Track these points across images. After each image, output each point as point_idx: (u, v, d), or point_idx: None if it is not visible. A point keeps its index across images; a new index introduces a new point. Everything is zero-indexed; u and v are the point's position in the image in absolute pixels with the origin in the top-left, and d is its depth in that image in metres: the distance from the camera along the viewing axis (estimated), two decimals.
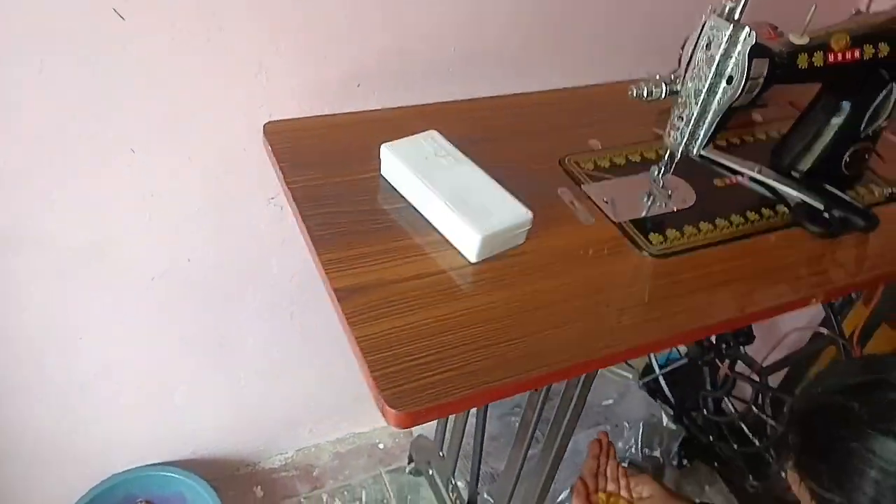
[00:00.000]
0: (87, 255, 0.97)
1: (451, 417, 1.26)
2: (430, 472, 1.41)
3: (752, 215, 0.88)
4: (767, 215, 0.89)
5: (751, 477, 1.36)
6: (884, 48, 0.83)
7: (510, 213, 0.76)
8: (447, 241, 0.77)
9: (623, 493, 1.08)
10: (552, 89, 1.08)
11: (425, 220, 0.79)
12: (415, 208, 0.80)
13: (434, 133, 0.85)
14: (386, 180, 0.84)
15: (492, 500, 1.29)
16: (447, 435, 1.30)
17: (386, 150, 0.82)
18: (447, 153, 0.82)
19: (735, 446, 1.36)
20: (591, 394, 0.87)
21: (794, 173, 0.97)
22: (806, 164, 0.95)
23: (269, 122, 0.89)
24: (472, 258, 0.74)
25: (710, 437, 1.42)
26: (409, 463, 1.50)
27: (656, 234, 0.82)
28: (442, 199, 0.76)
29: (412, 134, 0.85)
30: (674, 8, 1.10)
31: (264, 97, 0.92)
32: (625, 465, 1.04)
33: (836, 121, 0.92)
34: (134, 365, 1.14)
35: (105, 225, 0.95)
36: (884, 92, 0.87)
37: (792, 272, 0.81)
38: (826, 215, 0.87)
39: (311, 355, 1.32)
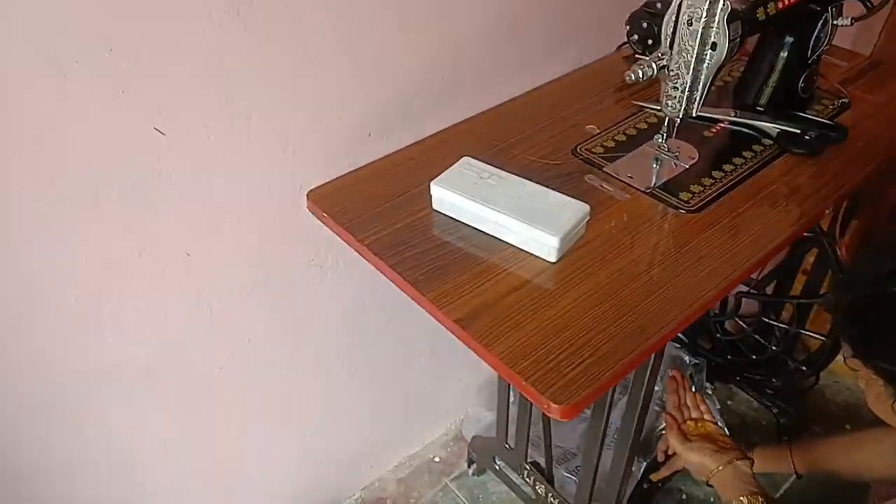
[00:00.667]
0: (162, 365, 0.99)
1: (513, 409, 1.34)
2: (497, 466, 1.48)
3: (747, 154, 1.01)
4: (759, 150, 1.02)
5: (773, 380, 1.52)
6: None
7: (571, 209, 0.84)
8: (522, 251, 0.85)
9: (706, 416, 1.20)
10: (528, 91, 1.17)
11: (493, 238, 0.86)
12: (480, 230, 0.87)
13: (468, 159, 0.93)
14: (440, 213, 0.90)
15: (570, 476, 1.39)
16: (509, 427, 1.38)
17: (436, 187, 0.89)
18: (489, 173, 0.90)
19: (753, 357, 1.51)
20: None
21: (758, 108, 1.10)
22: (767, 97, 1.09)
23: (311, 191, 0.94)
24: (553, 259, 0.83)
25: (728, 356, 1.57)
26: (469, 466, 1.58)
27: (684, 192, 0.94)
28: (508, 214, 0.84)
29: (435, 164, 0.93)
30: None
31: (296, 169, 0.96)
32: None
33: (784, 55, 1.06)
34: (205, 445, 1.16)
35: (172, 330, 0.97)
36: (820, 22, 1.02)
37: (802, 192, 0.94)
38: (806, 137, 1.01)
39: (360, 394, 1.37)
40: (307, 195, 0.94)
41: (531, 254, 0.84)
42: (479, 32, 1.08)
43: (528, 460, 1.37)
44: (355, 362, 1.29)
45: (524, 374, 0.71)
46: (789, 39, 1.04)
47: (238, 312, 1.03)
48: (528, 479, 1.39)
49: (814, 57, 1.05)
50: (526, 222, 0.83)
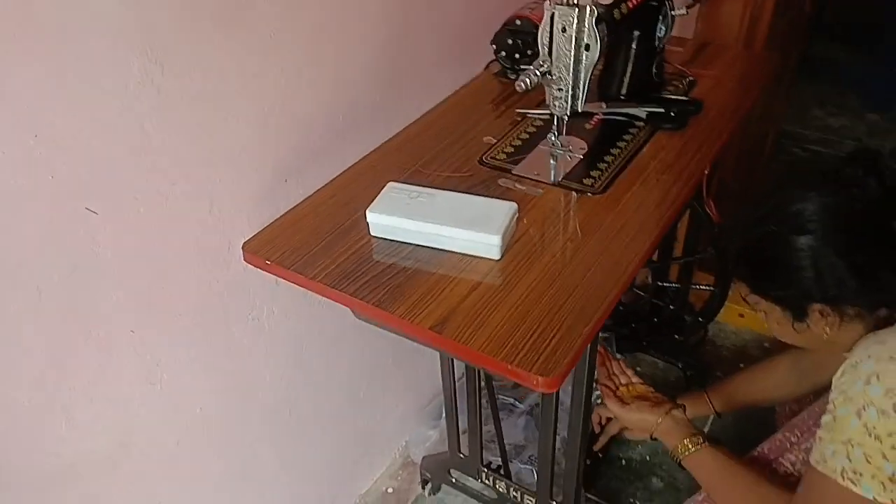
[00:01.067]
0: (121, 453, 0.95)
1: (461, 418, 1.39)
2: (453, 478, 1.52)
3: (627, 137, 1.14)
4: (635, 132, 1.15)
5: (676, 336, 1.68)
6: None
7: (501, 209, 0.92)
8: (467, 255, 0.91)
9: (634, 379, 1.32)
10: (419, 117, 1.24)
11: (436, 250, 0.92)
12: (422, 245, 0.93)
13: (393, 184, 0.98)
14: (379, 238, 0.95)
15: (526, 466, 1.46)
16: (460, 436, 1.43)
17: (372, 213, 0.93)
18: (418, 192, 0.96)
19: (655, 320, 1.67)
20: None
21: (621, 97, 1.24)
22: (627, 86, 1.24)
23: (246, 242, 0.95)
24: (497, 256, 0.90)
25: (632, 325, 1.72)
26: (423, 487, 1.60)
27: (587, 178, 1.04)
28: (449, 224, 0.90)
29: (357, 196, 0.99)
30: (468, 23, 1.33)
31: (223, 226, 0.97)
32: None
33: (635, 47, 1.21)
34: None
35: (127, 413, 0.94)
36: (660, 15, 1.18)
37: (683, 159, 1.08)
38: (671, 114, 1.16)
39: (311, 442, 1.36)
40: (242, 247, 0.95)
41: (476, 256, 0.91)
42: (366, 71, 1.14)
43: (483, 463, 1.43)
44: (303, 410, 1.29)
45: (507, 359, 0.77)
46: (637, 33, 1.19)
47: (187, 382, 1.01)
48: (487, 481, 1.45)
49: (660, 45, 1.21)
50: (467, 228, 0.89)
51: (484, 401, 1.35)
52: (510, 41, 1.28)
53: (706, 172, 1.07)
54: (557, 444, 1.26)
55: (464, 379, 1.37)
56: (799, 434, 1.17)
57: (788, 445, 1.17)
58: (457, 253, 0.92)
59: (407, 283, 0.88)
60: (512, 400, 1.68)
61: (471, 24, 1.35)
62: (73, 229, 0.78)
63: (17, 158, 0.70)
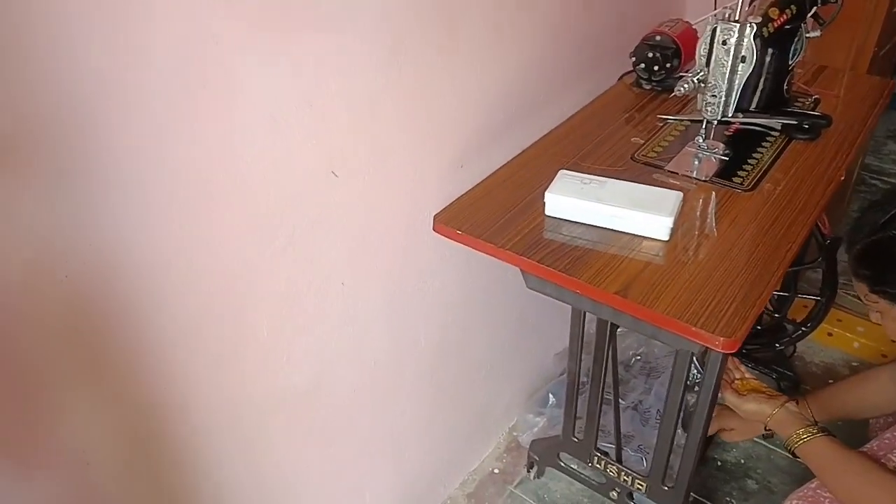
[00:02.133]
0: (313, 392, 1.07)
1: (576, 403, 1.50)
2: (562, 462, 1.62)
3: (765, 144, 1.25)
4: (772, 141, 1.26)
5: (776, 345, 1.76)
6: (793, 9, 1.24)
7: (669, 196, 1.04)
8: (637, 235, 1.02)
9: (747, 375, 1.41)
10: (566, 119, 1.37)
11: (608, 230, 1.04)
12: (595, 226, 1.04)
13: (565, 171, 1.10)
14: (553, 218, 1.07)
15: (635, 454, 1.55)
16: (576, 421, 1.53)
17: (550, 195, 1.06)
18: (590, 179, 1.08)
19: (758, 327, 1.75)
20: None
21: (752, 109, 1.35)
22: (762, 99, 1.34)
23: (436, 215, 1.08)
24: (666, 237, 1.01)
25: None
26: (529, 470, 1.70)
27: (735, 177, 1.15)
28: (623, 206, 1.02)
29: (526, 181, 1.12)
30: (608, 37, 1.46)
31: (417, 198, 1.10)
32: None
33: (769, 64, 1.32)
34: (333, 469, 1.23)
35: (325, 356, 1.07)
36: (796, 36, 1.29)
37: (820, 166, 1.18)
38: (805, 126, 1.26)
39: (441, 413, 1.47)
40: (435, 217, 1.08)
41: (645, 237, 1.02)
42: (528, 74, 1.28)
43: (597, 447, 1.52)
44: (442, 380, 1.41)
45: (692, 321, 0.88)
46: (773, 51, 1.30)
47: (370, 334, 1.14)
48: (598, 465, 1.54)
49: (793, 64, 1.32)
50: (640, 210, 1.01)
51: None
52: (650, 54, 1.40)
53: (842, 178, 1.17)
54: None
55: (585, 364, 1.47)
56: None
57: None
58: (627, 234, 1.03)
59: (586, 256, 1.00)
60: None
61: (610, 38, 1.48)
62: (321, 188, 0.92)
63: (298, 123, 0.85)
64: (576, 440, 1.56)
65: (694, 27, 1.44)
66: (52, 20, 0.60)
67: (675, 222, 1.02)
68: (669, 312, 0.89)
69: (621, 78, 1.51)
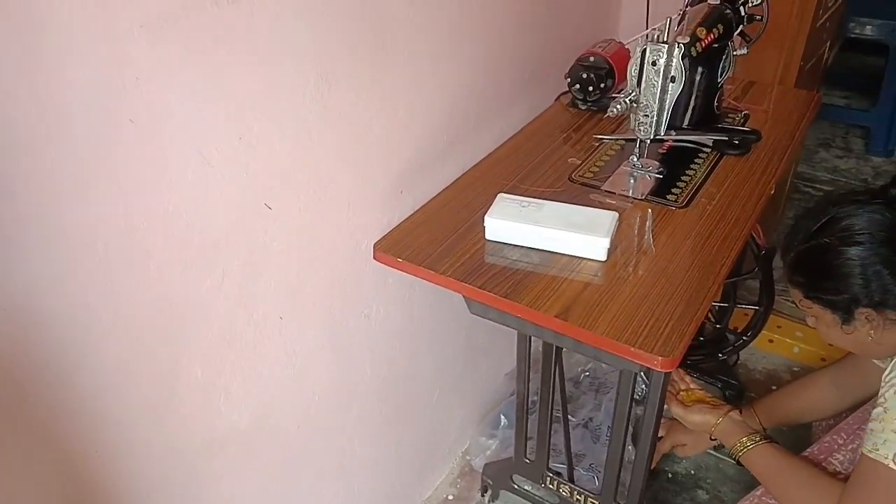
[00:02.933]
0: (256, 431, 1.04)
1: (526, 424, 1.49)
2: (515, 485, 1.61)
3: (697, 160, 1.27)
4: (704, 157, 1.29)
5: (720, 354, 1.80)
6: (720, 28, 1.27)
7: (605, 217, 1.05)
8: (576, 257, 1.03)
9: (692, 385, 1.43)
10: (504, 142, 1.38)
11: (548, 252, 1.04)
12: (534, 248, 1.05)
13: (503, 194, 1.11)
14: (494, 242, 1.07)
15: (587, 473, 1.55)
16: (527, 442, 1.53)
17: (490, 219, 1.06)
18: (528, 202, 1.08)
19: (701, 338, 1.79)
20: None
21: (685, 126, 1.38)
22: (693, 117, 1.37)
23: (377, 242, 1.07)
24: (604, 258, 1.02)
25: None
26: (483, 494, 1.69)
27: (669, 195, 1.17)
28: (561, 228, 1.02)
29: (466, 205, 1.13)
30: (542, 59, 1.48)
31: (354, 227, 1.09)
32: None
33: (699, 82, 1.35)
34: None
35: (266, 392, 1.04)
36: (724, 54, 1.32)
37: (751, 180, 1.21)
38: (735, 142, 1.30)
39: (391, 441, 1.45)
40: (374, 246, 1.07)
41: (584, 258, 1.03)
42: (467, 97, 1.28)
43: (549, 468, 1.52)
44: (389, 408, 1.39)
45: (630, 341, 0.88)
46: (702, 70, 1.34)
47: (312, 367, 1.11)
48: (551, 486, 1.54)
49: (722, 81, 1.36)
50: (577, 232, 1.02)
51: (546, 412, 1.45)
52: (584, 75, 1.43)
53: (772, 191, 1.20)
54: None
55: (534, 383, 1.47)
56: (845, 436, 1.28)
57: (836, 447, 1.28)
58: (566, 255, 1.04)
59: (526, 280, 1.00)
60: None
61: (545, 59, 1.50)
62: (254, 221, 0.90)
63: (226, 156, 0.82)
64: (528, 461, 1.55)
65: (627, 47, 1.46)
66: None
67: (612, 242, 1.03)
68: (608, 334, 0.90)
69: (558, 98, 1.53)
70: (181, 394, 0.89)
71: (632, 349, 0.88)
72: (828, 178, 3.00)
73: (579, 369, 1.91)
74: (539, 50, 1.48)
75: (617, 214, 1.06)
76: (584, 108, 1.47)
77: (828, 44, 2.19)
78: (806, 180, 2.98)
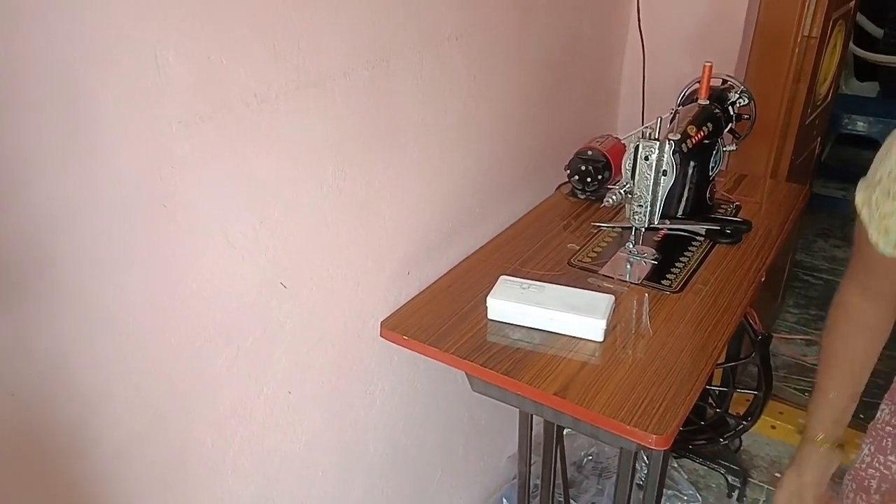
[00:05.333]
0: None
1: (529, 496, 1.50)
2: None
3: (691, 248, 1.34)
4: (697, 245, 1.35)
5: (721, 439, 1.80)
6: (709, 126, 1.36)
7: (602, 300, 1.10)
8: (574, 337, 1.08)
9: None
10: (506, 228, 1.45)
11: (548, 332, 1.09)
12: (535, 328, 1.10)
13: (504, 276, 1.17)
14: (496, 321, 1.12)
15: None
16: None
17: (493, 300, 1.11)
18: (529, 284, 1.14)
19: (701, 423, 1.80)
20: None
21: (679, 216, 1.46)
22: (686, 207, 1.45)
23: (384, 320, 1.12)
24: (601, 339, 1.07)
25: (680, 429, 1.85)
26: None
27: (664, 280, 1.23)
28: (560, 310, 1.07)
29: (470, 287, 1.19)
30: (544, 152, 1.57)
31: (362, 307, 1.14)
32: None
33: (692, 175, 1.43)
34: None
35: (273, 466, 1.06)
36: (715, 150, 1.41)
37: (742, 267, 1.27)
38: (727, 231, 1.36)
39: None
40: (382, 323, 1.12)
41: (581, 338, 1.08)
42: (472, 186, 1.36)
43: None
44: (391, 489, 1.40)
45: (626, 419, 0.92)
46: (694, 164, 1.42)
47: (317, 442, 1.14)
48: None
49: (713, 174, 1.44)
50: (576, 313, 1.07)
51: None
52: (582, 167, 1.51)
53: (762, 279, 1.26)
54: None
55: (534, 468, 1.49)
56: None
57: None
58: (565, 335, 1.08)
59: (526, 358, 1.04)
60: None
61: (547, 151, 1.59)
62: (269, 299, 0.96)
63: (248, 239, 0.89)
64: None
65: (623, 142, 1.56)
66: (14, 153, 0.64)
67: (609, 324, 1.08)
68: (605, 412, 0.93)
69: (558, 188, 1.61)
70: (192, 463, 0.93)
71: (627, 427, 0.91)
72: (826, 267, 3.06)
73: (582, 453, 1.91)
74: (541, 144, 1.58)
75: (613, 297, 1.11)
76: (582, 197, 1.55)
77: (819, 139, 2.30)
78: (805, 269, 3.04)
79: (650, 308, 1.17)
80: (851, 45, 3.55)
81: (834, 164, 3.91)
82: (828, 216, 3.46)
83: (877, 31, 3.69)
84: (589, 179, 1.51)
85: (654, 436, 0.90)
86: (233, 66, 0.82)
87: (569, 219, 1.48)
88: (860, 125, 3.21)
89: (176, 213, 0.80)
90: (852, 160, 3.72)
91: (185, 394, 0.89)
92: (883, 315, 0.98)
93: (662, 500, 1.80)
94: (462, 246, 1.36)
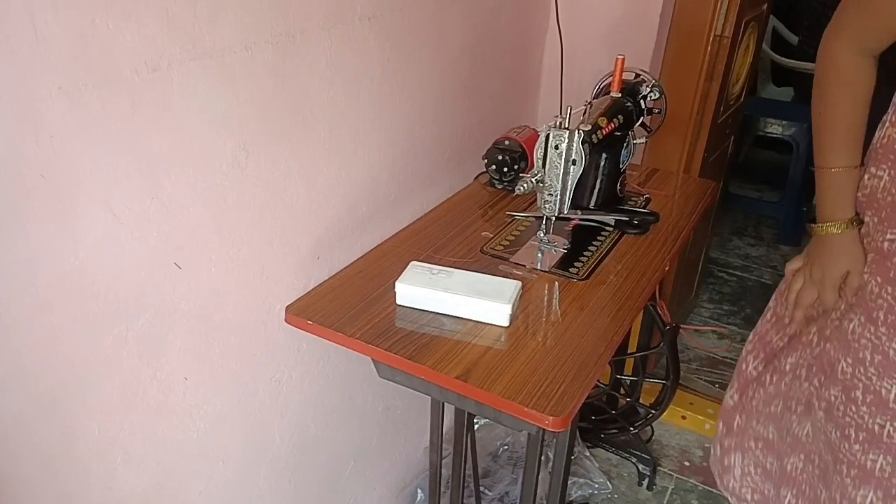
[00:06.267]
0: (156, 495, 1.02)
1: (439, 497, 1.50)
2: None
3: (600, 238, 1.36)
4: (606, 235, 1.38)
5: (630, 428, 1.85)
6: (620, 118, 1.39)
7: (509, 286, 1.11)
8: (481, 322, 1.08)
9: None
10: (423, 214, 1.44)
11: (455, 317, 1.09)
12: (442, 314, 1.09)
13: (416, 262, 1.16)
14: (404, 307, 1.11)
15: None
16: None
17: (401, 284, 1.10)
18: (438, 270, 1.14)
19: (612, 412, 1.84)
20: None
21: (591, 207, 1.48)
22: (599, 198, 1.48)
23: (289, 305, 1.10)
24: (506, 324, 1.07)
25: (592, 418, 1.89)
26: None
27: (572, 268, 1.25)
28: (467, 295, 1.07)
29: (381, 273, 1.17)
30: (462, 142, 1.57)
31: (268, 292, 1.11)
32: None
33: (604, 167, 1.46)
34: None
35: (167, 455, 1.03)
36: (625, 142, 1.44)
37: (650, 256, 1.30)
38: (635, 222, 1.39)
39: None
40: (286, 309, 1.10)
41: (488, 323, 1.08)
42: (387, 171, 1.35)
43: None
44: (300, 479, 1.38)
45: (525, 402, 0.92)
46: (605, 156, 1.45)
47: (218, 431, 1.11)
48: None
49: (623, 167, 1.47)
50: (482, 299, 1.07)
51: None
52: (499, 157, 1.52)
53: (667, 269, 1.29)
54: None
55: (448, 459, 1.49)
56: None
57: None
58: (471, 320, 1.08)
59: (432, 343, 1.04)
60: (483, 488, 1.79)
61: (465, 141, 1.59)
62: (162, 279, 0.92)
63: (137, 215, 0.85)
64: None
65: (539, 133, 1.57)
66: None
67: (515, 309, 1.09)
68: (505, 395, 0.94)
69: (477, 177, 1.61)
70: (78, 450, 0.88)
71: (525, 409, 0.92)
72: (740, 265, 3.18)
73: (498, 443, 1.93)
74: (461, 132, 1.57)
75: (520, 284, 1.12)
76: (500, 187, 1.56)
77: (732, 138, 2.38)
78: (720, 265, 3.15)
79: (557, 295, 1.18)
80: (769, 50, 3.71)
81: (750, 166, 4.07)
82: (743, 216, 3.60)
83: (792, 38, 3.86)
84: (505, 169, 1.52)
85: (552, 417, 0.91)
86: (120, 32, 0.78)
87: (486, 208, 1.49)
88: (776, 128, 3.34)
89: (56, 184, 0.76)
90: (768, 162, 3.88)
91: (71, 376, 0.84)
92: (872, 73, 0.99)
93: (574, 488, 1.83)
94: (377, 232, 1.34)
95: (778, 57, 3.64)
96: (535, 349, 1.03)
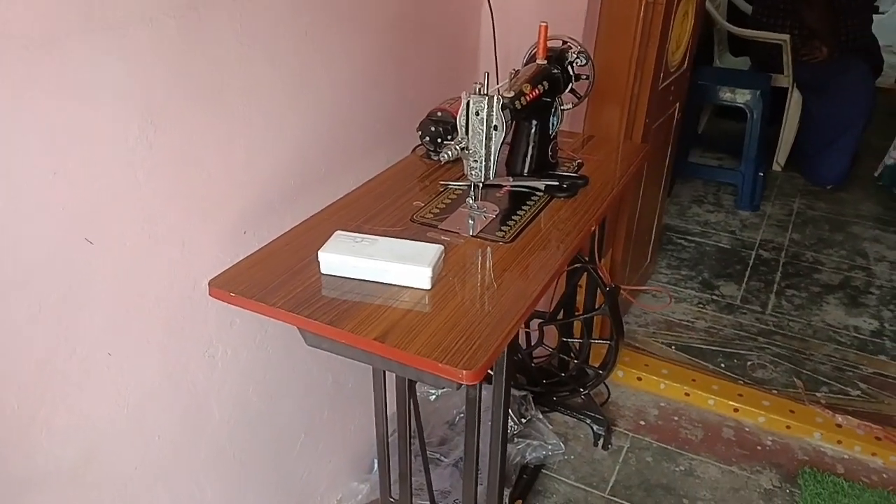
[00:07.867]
0: (84, 469, 1.04)
1: (388, 463, 1.52)
2: None
3: (529, 202, 1.38)
4: (536, 199, 1.40)
5: (581, 389, 1.89)
6: (545, 85, 1.41)
7: (431, 249, 1.12)
8: (404, 286, 1.10)
9: None
10: (357, 187, 1.45)
11: (378, 283, 1.10)
12: (366, 280, 1.11)
13: (340, 231, 1.17)
14: (329, 276, 1.13)
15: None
16: (391, 484, 1.55)
17: (324, 253, 1.12)
18: (361, 237, 1.15)
19: (562, 374, 1.87)
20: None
21: (524, 173, 1.50)
22: (530, 165, 1.50)
23: (212, 279, 1.11)
24: (428, 286, 1.09)
25: (544, 382, 1.92)
26: None
27: (499, 231, 1.27)
28: (389, 260, 1.09)
29: (308, 245, 1.17)
30: (398, 113, 1.58)
31: (190, 266, 1.12)
32: None
33: (534, 134, 1.48)
34: None
35: (94, 430, 1.04)
36: (553, 108, 1.46)
37: (574, 218, 1.33)
38: (564, 186, 1.41)
39: (250, 490, 1.45)
40: (209, 283, 1.11)
41: (411, 287, 1.10)
42: (317, 144, 1.36)
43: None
44: (246, 455, 1.39)
45: (439, 359, 0.95)
46: (535, 122, 1.46)
47: (149, 406, 1.12)
48: None
49: (554, 133, 1.49)
50: (403, 263, 1.09)
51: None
52: (433, 128, 1.53)
53: (593, 229, 1.32)
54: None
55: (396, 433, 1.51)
56: None
57: None
58: (394, 285, 1.10)
59: (353, 308, 1.06)
60: (438, 455, 1.82)
61: (400, 113, 1.60)
62: (73, 254, 0.93)
63: (38, 190, 0.86)
64: (392, 501, 1.57)
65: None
66: None
67: (436, 272, 1.11)
68: (420, 353, 0.96)
69: (414, 150, 1.63)
70: None
71: (440, 365, 0.94)
72: (698, 231, 3.23)
73: (454, 411, 1.96)
74: (395, 103, 1.58)
75: (442, 247, 1.14)
76: (436, 158, 1.57)
77: (677, 105, 2.41)
78: (678, 232, 3.20)
79: (481, 258, 1.20)
80: (724, 21, 3.74)
81: (710, 135, 4.11)
82: (703, 184, 3.65)
83: (747, 8, 3.89)
84: (439, 140, 1.53)
85: (465, 371, 0.93)
86: (12, 2, 0.78)
87: (422, 179, 1.50)
88: (729, 95, 3.39)
89: None
90: (728, 131, 3.93)
91: None
92: None
93: (528, 450, 1.86)
94: (308, 205, 1.35)
95: (733, 27, 3.67)
96: (454, 309, 1.05)
